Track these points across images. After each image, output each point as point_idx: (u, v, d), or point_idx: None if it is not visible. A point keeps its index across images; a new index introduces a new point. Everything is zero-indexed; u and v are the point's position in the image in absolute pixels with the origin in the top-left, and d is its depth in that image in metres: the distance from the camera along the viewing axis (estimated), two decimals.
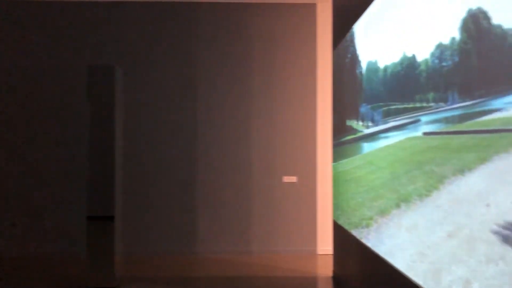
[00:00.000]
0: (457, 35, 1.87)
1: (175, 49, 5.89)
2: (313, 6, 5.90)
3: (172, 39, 5.89)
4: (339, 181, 4.44)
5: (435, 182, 2.06)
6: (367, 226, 3.20)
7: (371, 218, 3.11)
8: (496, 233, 1.53)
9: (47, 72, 5.83)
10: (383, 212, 2.85)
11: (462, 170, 1.79)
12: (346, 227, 3.93)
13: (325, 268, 5.09)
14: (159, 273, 4.94)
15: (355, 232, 3.59)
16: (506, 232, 1.47)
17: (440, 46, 2.05)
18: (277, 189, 5.88)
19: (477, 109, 1.70)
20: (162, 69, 5.87)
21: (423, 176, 2.21)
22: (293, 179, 5.88)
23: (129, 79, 5.56)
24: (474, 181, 1.69)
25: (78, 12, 5.86)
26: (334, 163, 4.74)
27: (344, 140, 4.30)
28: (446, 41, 1.98)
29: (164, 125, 5.85)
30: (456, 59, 1.88)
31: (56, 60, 5.83)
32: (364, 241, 3.29)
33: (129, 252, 5.35)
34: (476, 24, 1.71)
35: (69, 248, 5.68)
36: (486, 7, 1.63)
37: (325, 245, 5.74)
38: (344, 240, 4.15)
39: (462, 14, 1.81)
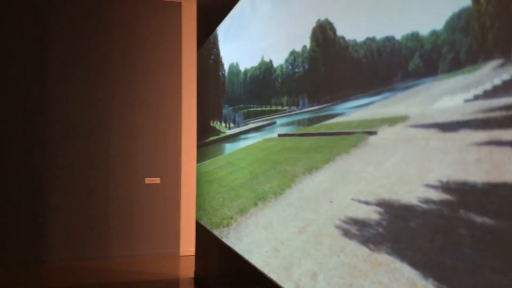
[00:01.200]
0: (307, 43, 2.00)
1: (27, 37, 5.32)
2: (178, 5, 5.84)
3: (23, 26, 5.32)
4: (202, 181, 4.46)
5: (288, 181, 2.17)
6: (228, 225, 3.26)
7: (231, 217, 3.18)
8: (338, 227, 1.66)
9: None
10: (242, 211, 2.92)
11: (311, 169, 1.92)
12: (208, 227, 3.97)
13: (187, 270, 5.07)
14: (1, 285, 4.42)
15: (216, 232, 3.64)
16: (346, 226, 1.61)
17: (293, 53, 2.17)
18: (139, 191, 5.69)
19: (323, 113, 1.83)
20: (7, 58, 5.26)
21: (278, 175, 2.33)
22: (156, 180, 5.75)
23: None
24: (320, 180, 1.82)
25: None
26: (198, 164, 4.75)
27: (208, 141, 4.33)
28: (298, 48, 2.10)
29: (10, 121, 5.25)
30: (306, 66, 2.01)
31: None
32: (224, 240, 3.35)
33: None
34: (323, 34, 1.85)
35: None
36: (332, 19, 1.77)
37: (188, 246, 5.72)
38: (206, 240, 4.18)
39: (313, 24, 1.94)
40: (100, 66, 5.55)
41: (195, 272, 4.78)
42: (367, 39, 1.49)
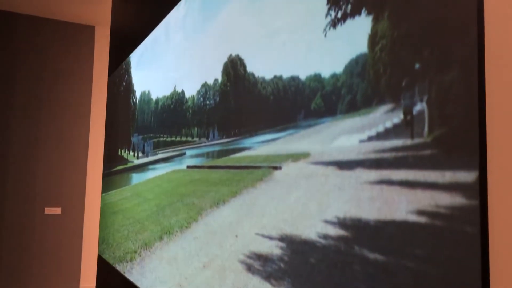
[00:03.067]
0: (219, 77, 2.02)
1: None
2: (91, 29, 5.66)
3: None
4: (106, 213, 4.23)
5: (194, 214, 2.13)
6: (131, 259, 3.11)
7: (135, 251, 3.03)
8: (242, 262, 1.65)
9: None
10: (147, 245, 2.80)
11: (218, 202, 1.90)
12: (111, 261, 3.75)
13: None
14: None
15: (119, 267, 3.44)
16: (250, 261, 1.60)
17: (205, 86, 2.18)
18: (37, 221, 5.25)
19: (232, 147, 1.84)
20: None
21: (185, 208, 2.27)
22: (57, 210, 5.36)
23: None
24: (227, 213, 1.81)
25: None
26: (104, 194, 4.52)
27: (115, 170, 4.15)
28: (210, 81, 2.11)
29: None
30: (217, 99, 2.02)
31: None
32: (127, 275, 3.18)
33: None
34: (234, 69, 1.88)
35: None
36: (243, 55, 1.81)
37: (89, 281, 5.35)
38: (108, 276, 3.93)
39: (225, 58, 1.96)
40: (2, 85, 5.14)
41: None
42: (275, 77, 1.53)
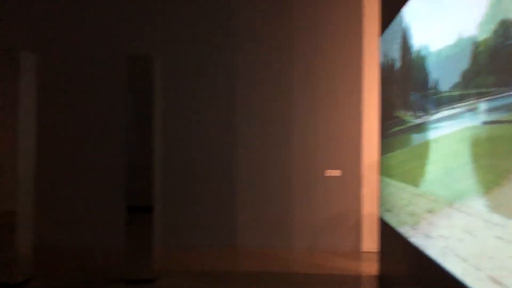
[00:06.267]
0: None
1: (215, 39, 5.77)
2: None
3: (212, 29, 5.79)
4: (386, 175, 4.18)
5: (495, 177, 1.80)
6: (415, 224, 2.95)
7: (419, 216, 2.86)
8: None
9: (86, 62, 5.86)
10: (433, 210, 2.59)
11: None
12: (393, 224, 3.68)
13: (369, 267, 4.85)
14: (197, 267, 4.88)
15: (402, 230, 3.34)
16: None
17: (504, 23, 1.78)
18: (320, 183, 5.67)
19: None
20: (201, 60, 5.78)
21: (481, 170, 1.96)
22: (337, 173, 5.64)
23: (168, 70, 5.50)
24: None
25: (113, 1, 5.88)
26: (382, 156, 4.47)
27: (391, 132, 4.03)
28: None
29: (204, 117, 5.77)
30: None
31: (92, 51, 5.85)
32: (413, 239, 3.05)
33: (167, 244, 5.15)
34: None
35: (107, 239, 5.49)
36: None
37: (370, 242, 5.48)
38: (390, 239, 3.90)
39: None
40: (281, 60, 5.69)
41: (379, 270, 4.53)
42: None
